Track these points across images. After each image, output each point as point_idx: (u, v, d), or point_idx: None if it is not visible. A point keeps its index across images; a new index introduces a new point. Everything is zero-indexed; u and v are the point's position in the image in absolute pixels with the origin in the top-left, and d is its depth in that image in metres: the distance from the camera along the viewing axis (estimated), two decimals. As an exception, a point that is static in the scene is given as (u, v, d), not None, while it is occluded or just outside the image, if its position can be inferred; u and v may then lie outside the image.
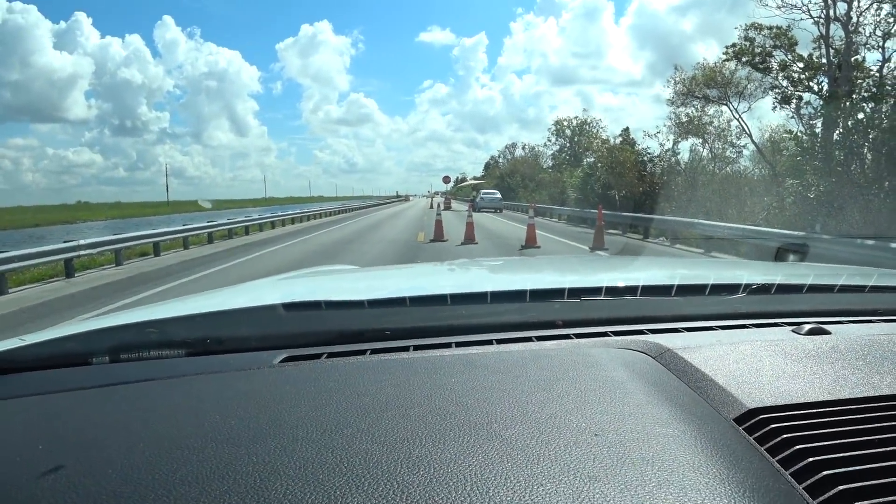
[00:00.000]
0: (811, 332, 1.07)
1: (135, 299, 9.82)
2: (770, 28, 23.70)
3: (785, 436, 0.70)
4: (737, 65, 25.14)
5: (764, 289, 1.37)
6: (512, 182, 63.32)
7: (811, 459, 0.66)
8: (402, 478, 0.57)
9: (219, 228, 22.80)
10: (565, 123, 59.45)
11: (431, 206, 49.73)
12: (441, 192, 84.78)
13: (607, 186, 30.53)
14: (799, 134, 18.03)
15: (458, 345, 1.00)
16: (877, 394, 0.80)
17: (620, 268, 2.35)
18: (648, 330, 1.11)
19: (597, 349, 0.97)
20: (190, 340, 1.07)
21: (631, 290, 1.28)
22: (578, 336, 1.07)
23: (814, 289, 1.42)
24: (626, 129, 38.83)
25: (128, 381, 0.92)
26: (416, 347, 0.99)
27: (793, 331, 1.10)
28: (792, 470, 0.65)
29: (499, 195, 48.53)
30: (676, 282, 1.33)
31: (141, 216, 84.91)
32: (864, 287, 1.44)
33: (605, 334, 1.08)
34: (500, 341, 1.02)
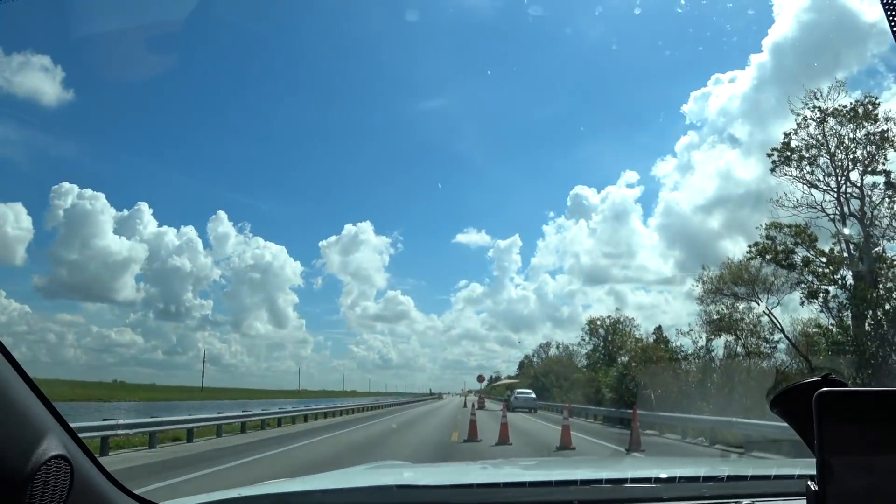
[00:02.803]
0: None
1: (168, 483, 9.95)
2: (790, 226, 24.47)
3: None
4: (762, 262, 25.70)
5: (716, 479, 1.79)
6: (546, 381, 62.69)
7: None
8: None
9: (252, 419, 22.95)
10: (598, 322, 59.69)
11: (465, 405, 49.21)
12: (475, 391, 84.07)
13: (642, 386, 30.20)
14: (830, 327, 18.10)
15: None
16: None
17: (647, 465, 2.80)
18: None
19: None
20: None
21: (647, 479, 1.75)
22: None
23: (743, 478, 1.88)
24: (659, 328, 39.10)
25: None
26: None
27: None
28: None
29: (533, 395, 47.99)
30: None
31: (176, 399, 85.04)
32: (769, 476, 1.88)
33: None
34: None
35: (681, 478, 1.78)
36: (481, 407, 36.49)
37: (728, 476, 1.82)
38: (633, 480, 1.70)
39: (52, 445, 0.98)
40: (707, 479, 1.78)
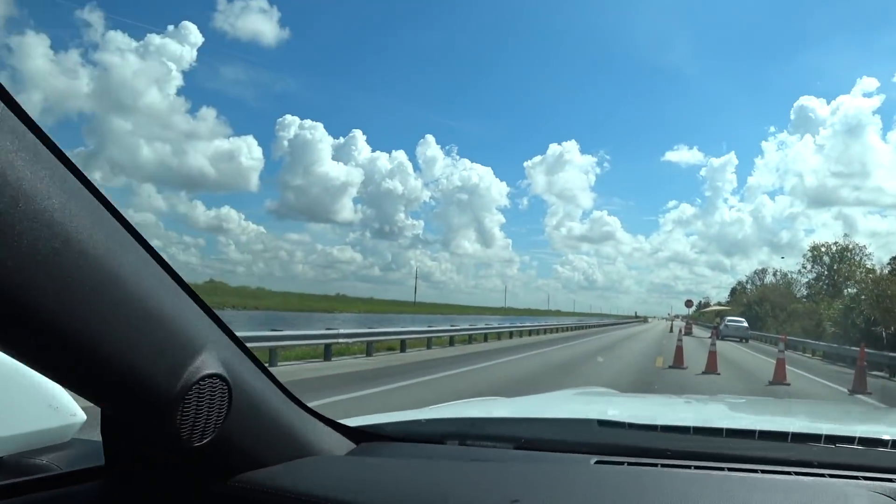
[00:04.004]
0: None
1: (380, 389, 10.72)
2: None
3: None
4: None
5: None
6: (760, 310, 59.41)
7: None
8: None
9: (460, 333, 24.25)
10: (823, 249, 55.49)
11: (671, 330, 47.99)
12: (681, 316, 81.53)
13: (872, 322, 27.70)
14: None
15: (731, 469, 1.23)
16: None
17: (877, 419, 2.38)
18: None
19: (849, 488, 1.13)
20: (517, 437, 1.48)
21: (883, 443, 1.36)
22: (832, 476, 1.22)
23: None
24: (896, 259, 35.34)
25: (470, 460, 1.33)
26: (696, 468, 1.25)
27: None
28: None
29: (745, 323, 45.75)
30: None
31: (390, 312, 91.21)
32: None
33: (856, 478, 1.21)
34: (764, 471, 1.22)
35: None
36: (688, 333, 35.57)
37: None
38: None
39: (208, 362, 0.93)
40: None
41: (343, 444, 1.39)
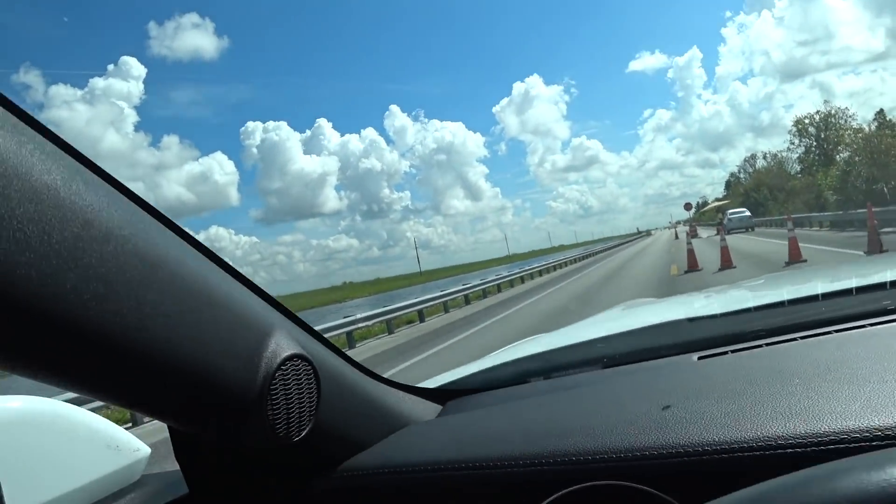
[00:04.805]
0: None
1: (411, 362, 10.78)
2: None
3: None
4: None
5: None
6: (759, 196, 59.59)
7: None
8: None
9: (473, 290, 24.30)
10: (807, 122, 55.21)
11: (676, 237, 48.11)
12: (683, 221, 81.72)
13: (872, 180, 27.70)
14: None
15: (837, 331, 1.16)
16: None
17: None
18: None
19: None
20: (603, 357, 1.41)
21: None
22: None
23: None
24: (881, 112, 35.37)
25: (564, 389, 1.27)
26: (802, 338, 1.17)
27: None
28: None
29: (748, 213, 45.81)
30: None
31: (399, 288, 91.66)
32: None
33: None
34: (869, 325, 1.15)
35: None
36: (694, 236, 35.57)
37: None
38: None
39: (284, 344, 0.84)
40: None
41: (431, 409, 1.31)
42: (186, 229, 0.79)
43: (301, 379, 0.85)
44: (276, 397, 0.81)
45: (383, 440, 1.09)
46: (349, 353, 1.14)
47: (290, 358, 0.84)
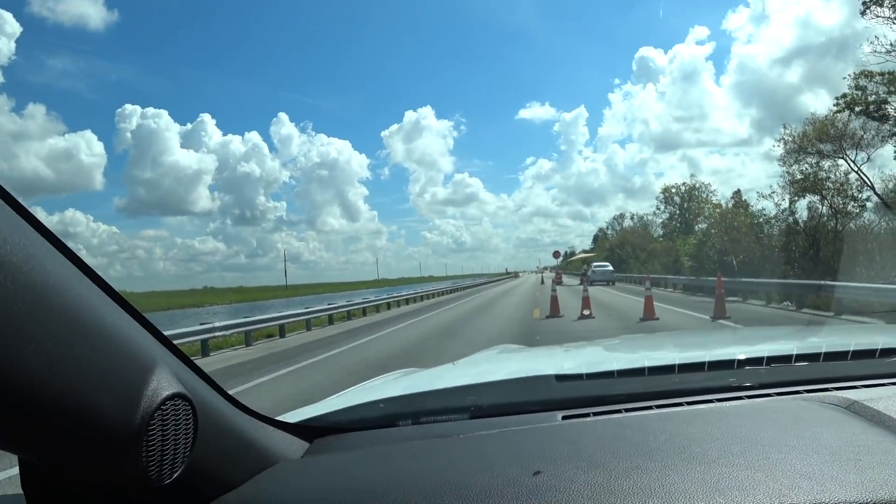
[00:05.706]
0: None
1: (268, 378, 10.39)
2: (882, 74, 22.78)
3: None
4: (850, 115, 24.19)
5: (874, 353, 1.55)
6: (622, 253, 62.54)
7: None
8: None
9: (338, 310, 23.98)
10: (673, 190, 58.70)
11: (542, 282, 49.59)
12: (550, 268, 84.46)
13: (723, 252, 29.76)
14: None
15: (689, 403, 1.30)
16: None
17: (751, 340, 2.59)
18: (833, 388, 1.33)
19: (801, 403, 1.20)
20: (472, 406, 1.40)
21: (787, 358, 1.52)
22: (778, 394, 1.34)
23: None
24: (738, 192, 38.18)
25: (431, 437, 1.25)
26: (657, 406, 1.28)
27: None
28: None
29: (610, 267, 48.03)
30: (823, 349, 1.57)
31: (262, 299, 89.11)
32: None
33: (797, 392, 1.33)
34: (719, 399, 1.30)
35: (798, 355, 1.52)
36: (559, 283, 36.85)
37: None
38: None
39: (165, 383, 0.79)
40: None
41: (298, 446, 1.27)
42: (67, 242, 0.71)
43: (179, 420, 0.81)
44: (153, 438, 0.77)
45: (251, 479, 1.03)
46: (202, 361, 1.06)
47: (171, 397, 0.80)
